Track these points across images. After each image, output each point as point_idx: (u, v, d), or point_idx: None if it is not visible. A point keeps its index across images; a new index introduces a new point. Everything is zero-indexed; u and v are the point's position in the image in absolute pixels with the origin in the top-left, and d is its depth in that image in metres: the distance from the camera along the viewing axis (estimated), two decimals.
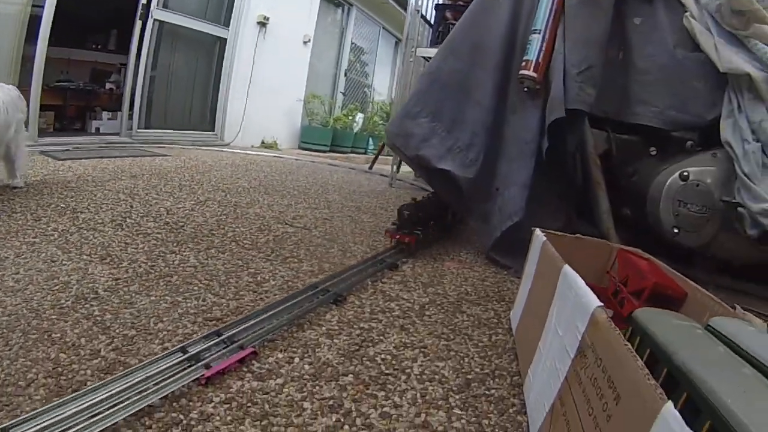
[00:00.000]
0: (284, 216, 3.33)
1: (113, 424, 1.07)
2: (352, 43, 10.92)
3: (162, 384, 1.19)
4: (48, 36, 6.11)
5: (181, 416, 1.14)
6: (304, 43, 9.35)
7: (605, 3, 2.60)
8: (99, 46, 8.06)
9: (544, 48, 2.60)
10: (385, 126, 11.07)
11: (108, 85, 7.79)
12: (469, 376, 1.49)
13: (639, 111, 2.61)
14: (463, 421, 1.26)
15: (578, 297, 1.05)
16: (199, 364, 1.30)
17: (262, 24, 8.51)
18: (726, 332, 1.03)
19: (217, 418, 1.14)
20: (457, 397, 1.37)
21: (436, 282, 2.34)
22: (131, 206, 3.03)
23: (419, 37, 5.56)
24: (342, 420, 1.20)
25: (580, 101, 2.48)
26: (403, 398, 1.32)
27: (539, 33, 2.61)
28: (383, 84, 12.39)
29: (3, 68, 5.85)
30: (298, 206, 3.72)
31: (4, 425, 0.99)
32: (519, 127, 2.69)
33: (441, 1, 5.12)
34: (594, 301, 0.97)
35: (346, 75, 10.74)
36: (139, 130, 7.05)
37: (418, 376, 1.44)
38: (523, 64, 2.64)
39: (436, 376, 1.46)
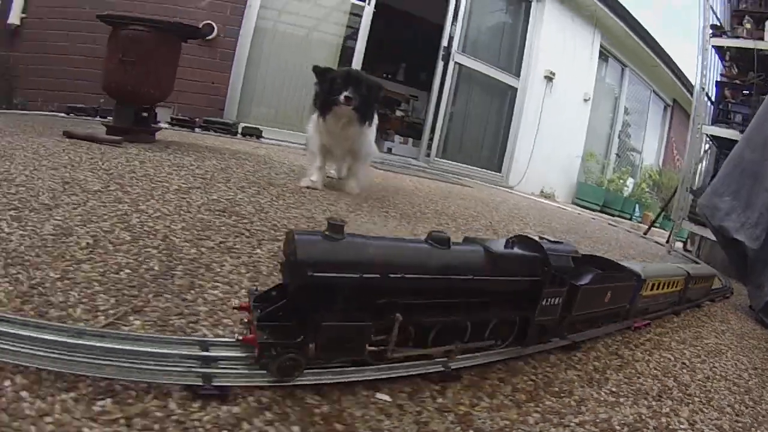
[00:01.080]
0: None
1: None
2: (624, 106, 10.37)
3: None
4: (360, 67, 6.58)
5: None
6: (585, 101, 9.05)
7: None
8: (389, 76, 8.64)
9: None
10: (651, 194, 10.26)
11: (398, 112, 8.23)
12: None
13: None
14: None
15: None
16: None
17: (549, 78, 8.43)
18: None
19: None
20: None
21: None
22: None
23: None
24: None
25: None
26: None
27: None
28: (651, 148, 11.50)
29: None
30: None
31: None
32: None
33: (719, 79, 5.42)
34: None
35: (619, 137, 10.14)
36: (436, 158, 7.26)
37: None
38: None
39: None
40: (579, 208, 8.26)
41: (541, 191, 8.29)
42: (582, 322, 1.99)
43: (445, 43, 7.37)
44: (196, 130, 5.88)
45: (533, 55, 8.21)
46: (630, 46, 9.83)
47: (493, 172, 7.81)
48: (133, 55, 3.79)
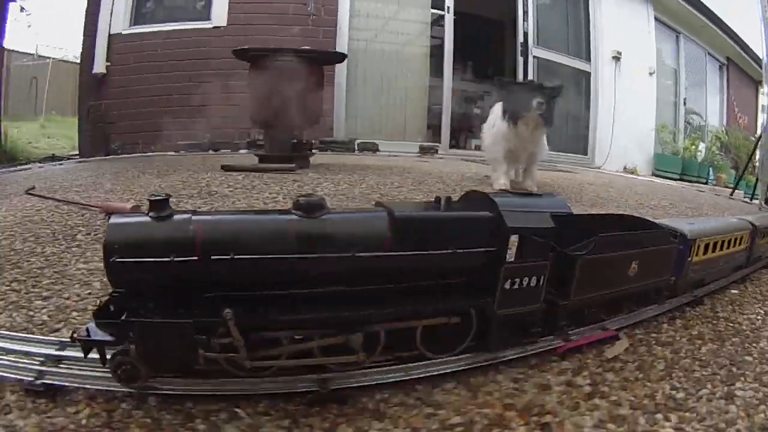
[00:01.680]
0: None
1: None
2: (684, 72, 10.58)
3: None
4: (451, 73, 7.01)
5: None
6: (650, 74, 9.30)
7: None
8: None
9: None
10: (721, 155, 10.48)
11: (475, 110, 8.65)
12: None
13: None
14: None
15: None
16: None
17: (616, 59, 8.70)
18: None
19: None
20: None
21: None
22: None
23: None
24: None
25: None
26: None
27: None
28: (713, 110, 11.67)
29: (419, 95, 6.89)
30: None
31: None
32: None
33: None
34: None
35: (684, 104, 10.37)
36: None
37: None
38: None
39: None
40: (659, 179, 8.57)
41: (624, 167, 8.63)
42: (594, 308, 1.56)
43: (521, 38, 7.74)
44: (313, 150, 6.39)
45: (598, 37, 8.52)
46: (679, 12, 10.01)
47: (580, 156, 8.18)
48: (285, 85, 4.08)
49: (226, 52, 6.78)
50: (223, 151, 6.52)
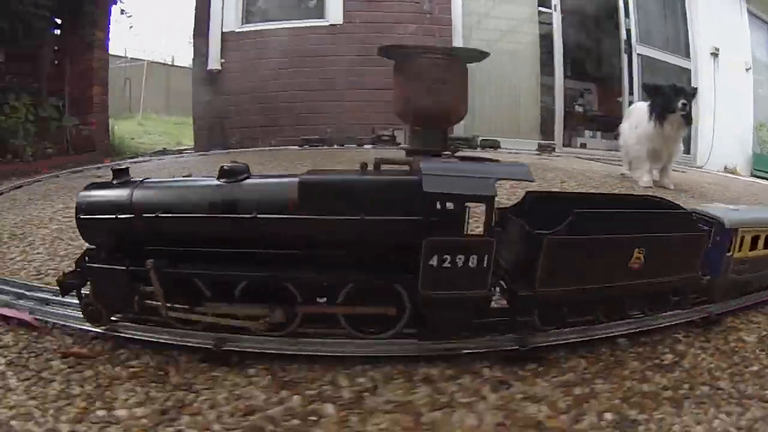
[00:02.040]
0: None
1: None
2: None
3: None
4: (562, 71, 7.05)
5: None
6: (746, 70, 9.14)
7: None
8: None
9: None
10: None
11: (577, 107, 8.62)
12: None
13: None
14: None
15: None
16: None
17: (714, 55, 8.59)
18: None
19: None
20: None
21: None
22: None
23: None
24: None
25: None
26: None
27: None
28: None
29: (532, 93, 6.95)
30: None
31: None
32: None
33: None
34: None
35: None
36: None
37: None
38: None
39: None
40: (759, 180, 8.44)
41: (725, 167, 8.53)
42: (581, 306, 1.29)
43: (624, 36, 7.72)
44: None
45: (696, 32, 8.43)
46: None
47: (683, 154, 8.09)
48: (437, 81, 4.24)
49: (343, 49, 6.99)
50: (347, 146, 6.68)
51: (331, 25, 7.06)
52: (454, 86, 4.46)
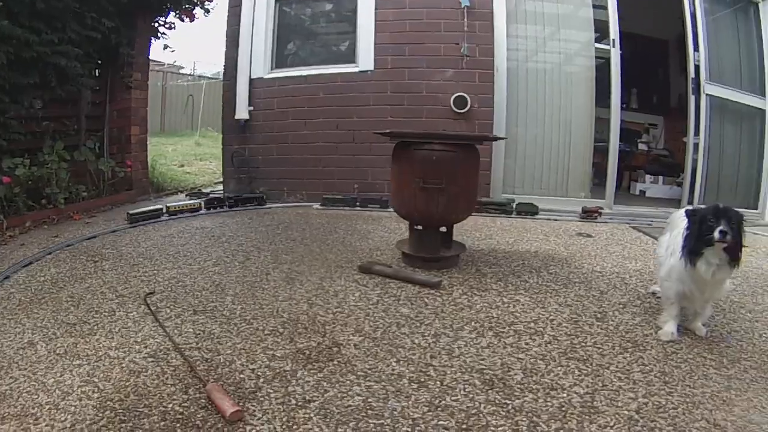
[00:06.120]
0: None
1: None
2: None
3: None
4: (619, 103, 6.29)
5: None
6: None
7: None
8: (623, 105, 8.12)
9: None
10: None
11: (641, 146, 7.71)
12: None
13: None
14: None
15: None
16: None
17: None
18: None
19: None
20: None
21: None
22: None
23: None
24: None
25: None
26: None
27: None
28: None
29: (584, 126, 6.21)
30: None
31: None
32: None
33: None
34: None
35: None
36: (698, 205, 6.73)
37: None
38: None
39: None
40: None
41: None
42: None
43: (692, 73, 6.83)
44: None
45: None
46: None
47: (750, 210, 7.00)
48: (439, 180, 3.54)
49: (374, 98, 6.51)
50: (370, 206, 6.19)
51: (360, 71, 6.60)
52: (462, 181, 3.67)
